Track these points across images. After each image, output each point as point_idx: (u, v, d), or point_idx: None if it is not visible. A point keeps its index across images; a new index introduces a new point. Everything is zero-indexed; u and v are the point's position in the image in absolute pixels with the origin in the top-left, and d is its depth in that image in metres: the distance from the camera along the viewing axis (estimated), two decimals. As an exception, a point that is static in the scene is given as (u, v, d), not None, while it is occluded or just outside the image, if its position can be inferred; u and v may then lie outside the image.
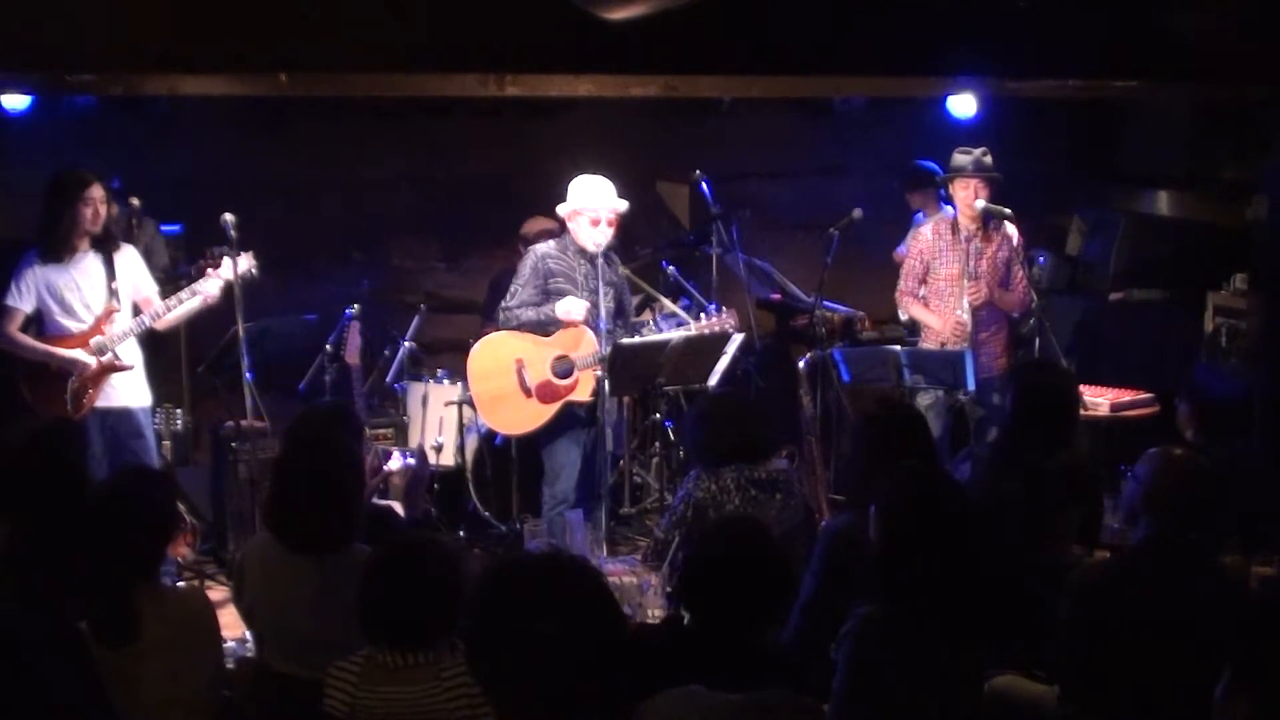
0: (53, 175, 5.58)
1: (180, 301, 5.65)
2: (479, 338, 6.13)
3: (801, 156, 8.56)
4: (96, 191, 5.52)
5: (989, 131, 7.47)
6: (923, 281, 6.37)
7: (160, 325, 5.72)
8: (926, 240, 6.36)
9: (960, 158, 6.23)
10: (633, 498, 6.87)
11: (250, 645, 3.92)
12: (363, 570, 3.14)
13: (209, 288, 5.63)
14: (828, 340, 6.70)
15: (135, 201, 6.45)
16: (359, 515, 3.64)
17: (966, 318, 6.15)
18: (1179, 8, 4.80)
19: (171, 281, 6.14)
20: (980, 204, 6.17)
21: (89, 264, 5.58)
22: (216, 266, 5.64)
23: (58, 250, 5.51)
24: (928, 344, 6.36)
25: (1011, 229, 6.27)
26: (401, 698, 2.99)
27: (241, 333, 5.55)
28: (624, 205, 5.90)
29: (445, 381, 6.63)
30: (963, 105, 7.49)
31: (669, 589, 4.25)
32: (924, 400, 6.14)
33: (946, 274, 6.25)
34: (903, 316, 6.87)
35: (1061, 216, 8.35)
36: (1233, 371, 6.63)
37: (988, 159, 6.18)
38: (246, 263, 5.61)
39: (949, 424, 6.30)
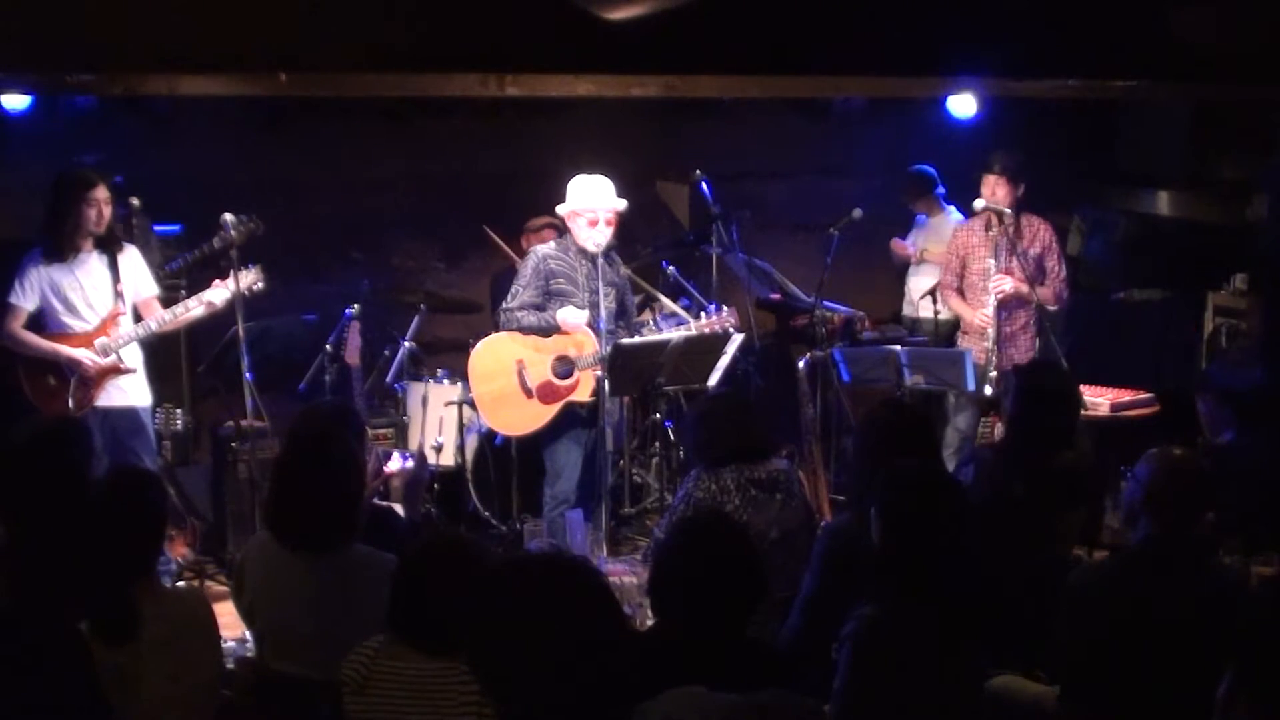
0: (56, 175, 5.60)
1: (187, 309, 5.69)
2: (479, 338, 6.13)
3: (801, 156, 8.57)
4: (101, 192, 5.55)
5: (989, 131, 7.49)
6: (961, 276, 6.52)
7: (163, 330, 5.75)
8: (962, 236, 6.55)
9: (989, 156, 6.35)
10: (633, 498, 6.86)
11: (250, 645, 3.92)
12: (401, 566, 3.12)
13: (215, 298, 5.67)
14: (828, 340, 6.72)
15: (135, 201, 6.43)
16: (359, 515, 3.63)
17: (990, 313, 6.24)
18: (1179, 8, 4.80)
19: (170, 278, 6.15)
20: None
21: (93, 264, 5.61)
22: (224, 278, 5.68)
23: (61, 250, 5.54)
24: (966, 338, 6.47)
25: (1046, 227, 6.36)
26: (413, 673, 2.99)
27: (241, 333, 5.57)
28: (622, 204, 5.89)
29: (445, 381, 6.63)
30: (963, 105, 7.51)
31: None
32: (950, 399, 6.22)
33: (978, 269, 6.39)
34: (943, 309, 6.93)
35: (1061, 216, 8.35)
36: (1237, 362, 6.64)
37: (1007, 159, 6.28)
38: (253, 276, 5.65)
39: (975, 421, 6.40)
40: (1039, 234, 6.35)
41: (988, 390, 6.14)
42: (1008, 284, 6.22)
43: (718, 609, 2.94)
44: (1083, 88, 5.34)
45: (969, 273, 6.45)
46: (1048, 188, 8.00)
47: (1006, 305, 6.27)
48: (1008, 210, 6.24)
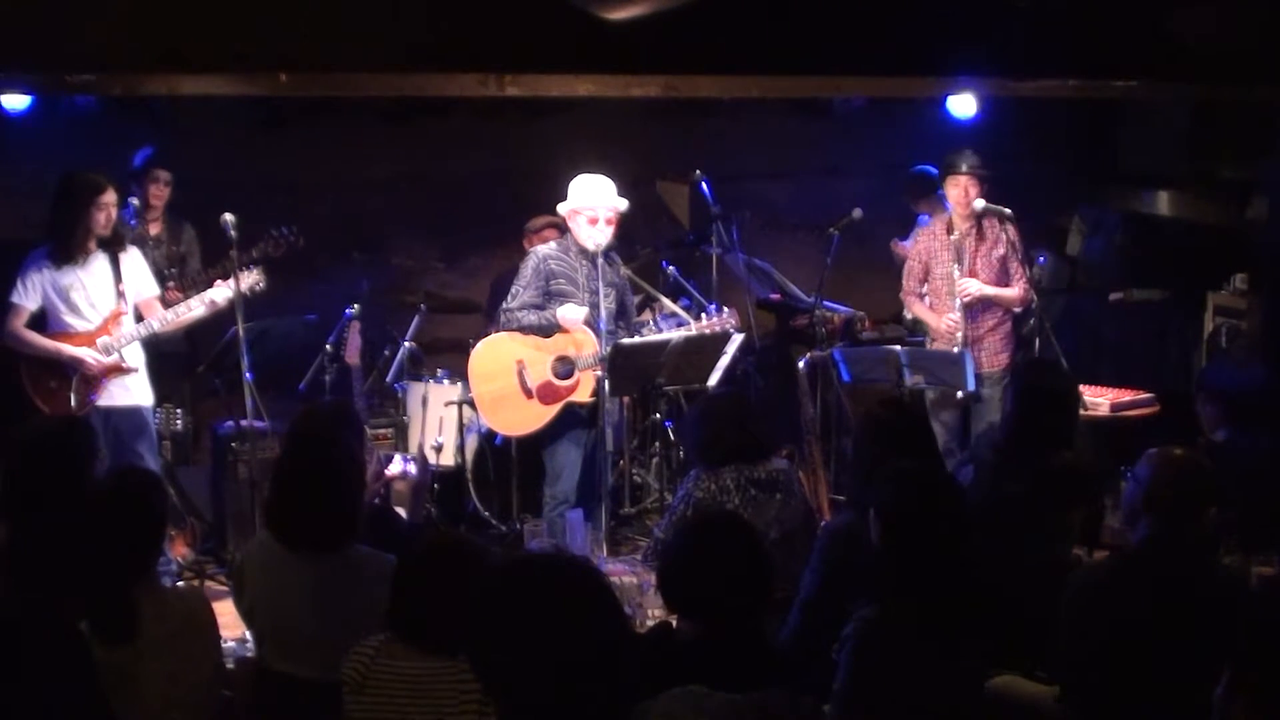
0: (65, 178, 5.59)
1: (189, 309, 5.70)
2: (479, 338, 6.14)
3: (801, 156, 8.56)
4: (109, 196, 5.58)
5: (989, 131, 7.48)
6: (924, 281, 6.46)
7: (165, 329, 5.76)
8: (924, 241, 6.48)
9: (949, 158, 6.30)
10: (633, 498, 6.86)
11: (250, 645, 3.92)
12: (401, 566, 3.12)
13: (217, 297, 5.69)
14: (828, 340, 6.71)
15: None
16: (359, 515, 3.64)
17: (958, 317, 6.20)
18: (1179, 7, 4.80)
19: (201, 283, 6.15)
20: (980, 204, 6.21)
21: (95, 264, 5.63)
22: (225, 278, 5.69)
23: (71, 254, 5.55)
24: (934, 344, 6.41)
25: (1009, 227, 6.29)
26: (412, 672, 2.99)
27: (241, 333, 5.57)
28: (623, 204, 5.90)
29: (445, 381, 6.63)
30: (963, 105, 7.49)
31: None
32: (931, 395, 6.19)
33: (942, 273, 6.33)
34: (907, 315, 6.92)
35: (1061, 216, 8.35)
36: (1238, 362, 6.63)
37: (974, 158, 6.23)
38: (254, 276, 5.67)
39: (960, 418, 6.34)
40: (1002, 236, 6.28)
41: (958, 394, 6.12)
42: (973, 286, 6.19)
43: (728, 609, 2.95)
44: (1083, 88, 5.33)
45: (933, 278, 6.38)
46: (1048, 188, 8.02)
47: (973, 308, 6.23)
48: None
